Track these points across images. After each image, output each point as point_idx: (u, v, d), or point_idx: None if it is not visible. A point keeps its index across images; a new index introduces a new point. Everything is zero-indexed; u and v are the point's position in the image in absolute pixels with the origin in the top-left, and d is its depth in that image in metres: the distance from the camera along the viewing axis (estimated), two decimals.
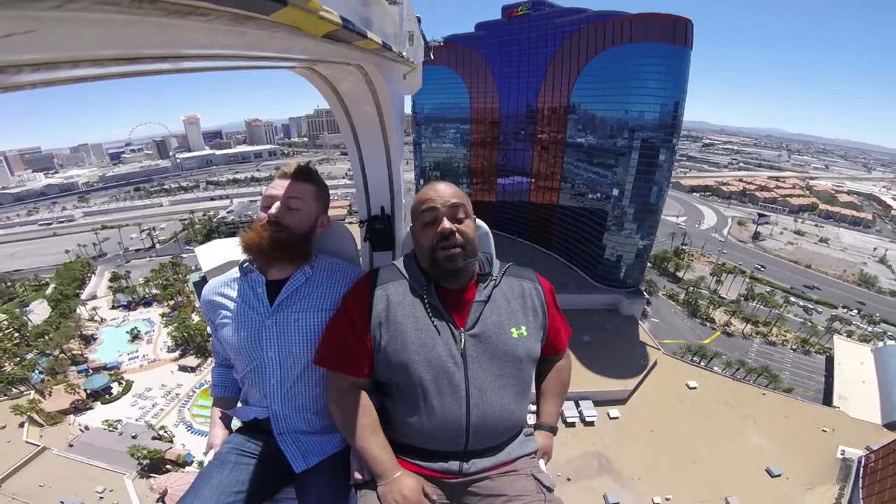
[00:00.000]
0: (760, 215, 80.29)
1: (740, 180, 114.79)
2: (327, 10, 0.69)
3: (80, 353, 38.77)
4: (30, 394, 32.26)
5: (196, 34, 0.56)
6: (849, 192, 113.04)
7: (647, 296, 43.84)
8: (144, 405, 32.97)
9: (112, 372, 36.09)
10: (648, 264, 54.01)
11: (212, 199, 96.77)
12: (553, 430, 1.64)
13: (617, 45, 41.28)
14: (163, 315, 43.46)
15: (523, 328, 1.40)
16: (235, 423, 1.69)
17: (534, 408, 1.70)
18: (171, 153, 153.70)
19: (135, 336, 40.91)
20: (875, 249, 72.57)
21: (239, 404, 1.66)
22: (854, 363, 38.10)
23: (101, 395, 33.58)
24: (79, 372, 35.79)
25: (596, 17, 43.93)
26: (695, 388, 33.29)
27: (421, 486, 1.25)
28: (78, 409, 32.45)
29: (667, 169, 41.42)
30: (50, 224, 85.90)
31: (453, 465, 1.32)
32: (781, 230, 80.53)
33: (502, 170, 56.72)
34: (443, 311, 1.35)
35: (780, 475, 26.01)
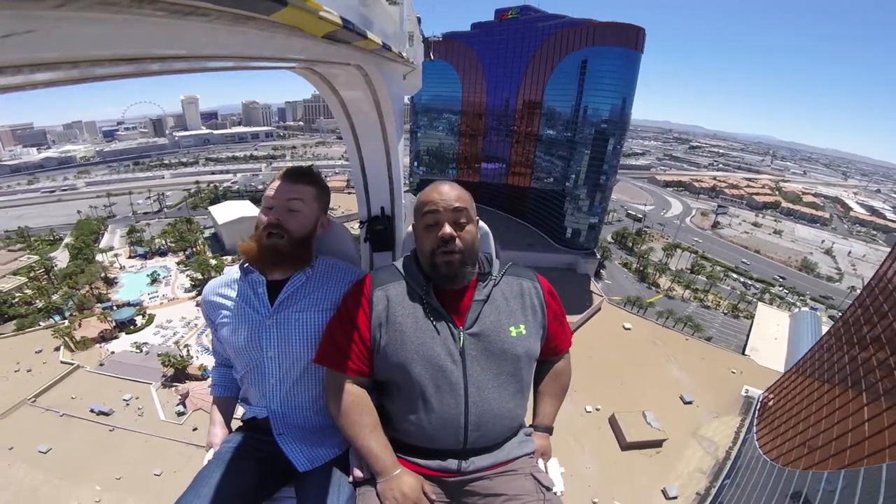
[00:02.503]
0: (720, 206, 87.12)
1: (714, 178, 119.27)
2: (327, 11, 0.69)
3: (104, 292, 42.54)
4: (64, 322, 35.91)
5: (196, 34, 0.56)
6: (815, 195, 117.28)
7: (598, 257, 50.09)
8: (166, 334, 36.37)
9: (136, 307, 39.95)
10: (611, 240, 60.91)
11: (212, 173, 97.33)
12: (549, 431, 1.61)
13: (582, 47, 47.00)
14: (178, 263, 47.21)
15: (522, 327, 1.39)
16: (235, 423, 1.68)
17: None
18: (167, 132, 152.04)
19: (154, 279, 44.70)
20: (823, 242, 79.11)
21: (239, 404, 1.66)
22: (771, 324, 43.43)
23: (127, 325, 37.29)
24: (104, 309, 39.20)
25: (570, 22, 49.59)
26: (629, 329, 39.02)
27: (420, 485, 1.25)
28: (105, 338, 35.39)
29: (614, 156, 47.94)
30: (53, 192, 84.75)
31: (451, 463, 1.31)
32: (741, 222, 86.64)
33: (486, 156, 62.61)
34: (441, 310, 1.35)
35: (691, 402, 30.22)
